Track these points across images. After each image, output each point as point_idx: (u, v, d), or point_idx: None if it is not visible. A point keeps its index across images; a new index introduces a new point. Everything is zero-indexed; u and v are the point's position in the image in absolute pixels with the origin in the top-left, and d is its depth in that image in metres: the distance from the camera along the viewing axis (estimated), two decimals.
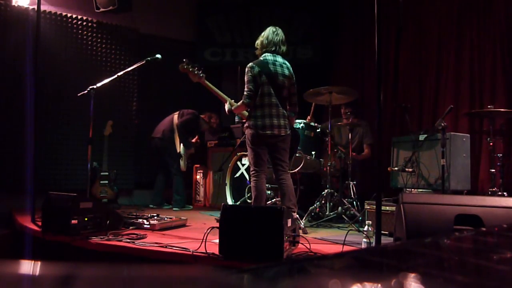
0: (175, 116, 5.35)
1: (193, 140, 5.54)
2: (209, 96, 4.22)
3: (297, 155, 4.01)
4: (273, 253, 2.20)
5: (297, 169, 3.97)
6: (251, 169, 3.33)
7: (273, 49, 3.37)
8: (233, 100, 3.56)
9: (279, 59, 3.38)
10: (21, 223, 3.45)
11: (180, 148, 5.28)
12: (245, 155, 4.67)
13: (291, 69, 3.43)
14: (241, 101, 3.29)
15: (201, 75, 3.61)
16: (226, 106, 3.53)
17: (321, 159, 4.28)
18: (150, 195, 5.46)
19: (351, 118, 4.92)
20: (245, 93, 3.27)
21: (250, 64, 3.32)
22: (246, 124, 3.35)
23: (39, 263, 0.43)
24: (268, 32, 3.40)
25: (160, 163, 5.38)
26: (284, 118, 3.31)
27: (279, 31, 3.42)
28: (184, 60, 3.59)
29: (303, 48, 6.46)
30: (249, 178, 4.58)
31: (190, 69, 3.58)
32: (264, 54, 3.38)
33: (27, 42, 4.71)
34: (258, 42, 3.45)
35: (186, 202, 5.37)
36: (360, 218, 3.75)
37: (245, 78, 3.30)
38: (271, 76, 3.28)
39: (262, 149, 3.28)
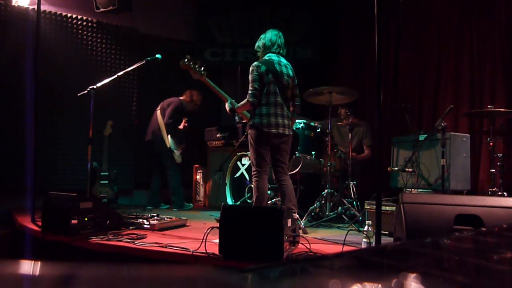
0: (158, 112, 5.22)
1: (181, 127, 5.31)
2: (209, 95, 4.23)
3: (296, 155, 4.02)
4: (273, 253, 2.20)
5: (296, 170, 3.97)
6: (253, 169, 3.32)
7: (277, 50, 3.39)
8: (234, 100, 3.55)
9: (283, 60, 3.41)
10: (21, 223, 3.45)
11: (169, 142, 5.14)
12: (245, 155, 4.68)
13: (293, 70, 3.46)
14: (246, 99, 3.27)
15: (202, 72, 3.57)
16: (227, 105, 3.52)
17: (321, 159, 4.28)
18: (148, 195, 5.44)
19: (351, 119, 4.91)
20: (250, 91, 3.26)
21: (256, 63, 3.32)
22: (249, 123, 3.33)
23: (39, 263, 0.43)
24: (271, 34, 3.42)
25: (155, 164, 5.29)
26: (288, 119, 3.34)
27: (280, 33, 3.46)
28: (187, 57, 3.57)
29: (303, 48, 6.46)
30: (249, 178, 4.60)
31: (192, 66, 3.56)
32: (268, 55, 3.39)
33: (27, 42, 4.70)
34: (259, 44, 3.46)
35: (185, 201, 5.34)
36: (360, 218, 3.75)
37: (250, 77, 3.28)
38: (277, 76, 3.29)
39: (265, 149, 3.28)
